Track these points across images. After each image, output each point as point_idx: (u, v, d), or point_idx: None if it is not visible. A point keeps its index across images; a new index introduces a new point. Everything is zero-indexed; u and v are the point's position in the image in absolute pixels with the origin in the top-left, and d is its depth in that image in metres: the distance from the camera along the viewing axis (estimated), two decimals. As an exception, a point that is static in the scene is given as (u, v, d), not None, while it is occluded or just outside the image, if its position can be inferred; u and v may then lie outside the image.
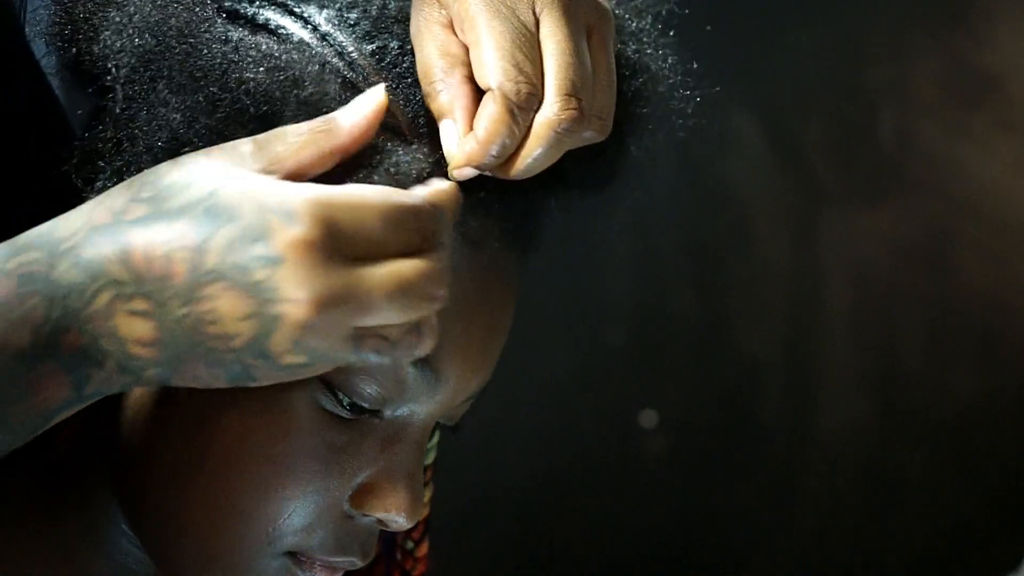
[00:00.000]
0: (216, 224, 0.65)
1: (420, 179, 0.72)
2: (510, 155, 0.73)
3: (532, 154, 0.73)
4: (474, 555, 1.84)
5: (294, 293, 0.64)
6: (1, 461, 0.75)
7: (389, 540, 0.94)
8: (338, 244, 0.65)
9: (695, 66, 0.84)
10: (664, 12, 0.86)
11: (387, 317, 0.66)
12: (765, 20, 1.85)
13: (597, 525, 1.89)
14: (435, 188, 0.70)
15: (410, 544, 0.93)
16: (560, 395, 1.85)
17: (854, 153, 1.88)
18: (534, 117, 0.73)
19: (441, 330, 0.71)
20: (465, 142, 0.72)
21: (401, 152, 0.73)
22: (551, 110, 0.73)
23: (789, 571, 1.90)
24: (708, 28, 0.88)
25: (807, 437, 1.89)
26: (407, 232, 0.67)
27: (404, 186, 0.70)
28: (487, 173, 0.73)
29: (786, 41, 1.85)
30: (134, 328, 0.66)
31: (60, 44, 0.77)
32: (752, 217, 1.88)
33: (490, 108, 0.72)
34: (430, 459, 0.90)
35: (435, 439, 0.89)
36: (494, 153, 0.72)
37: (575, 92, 0.73)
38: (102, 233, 0.66)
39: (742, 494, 1.89)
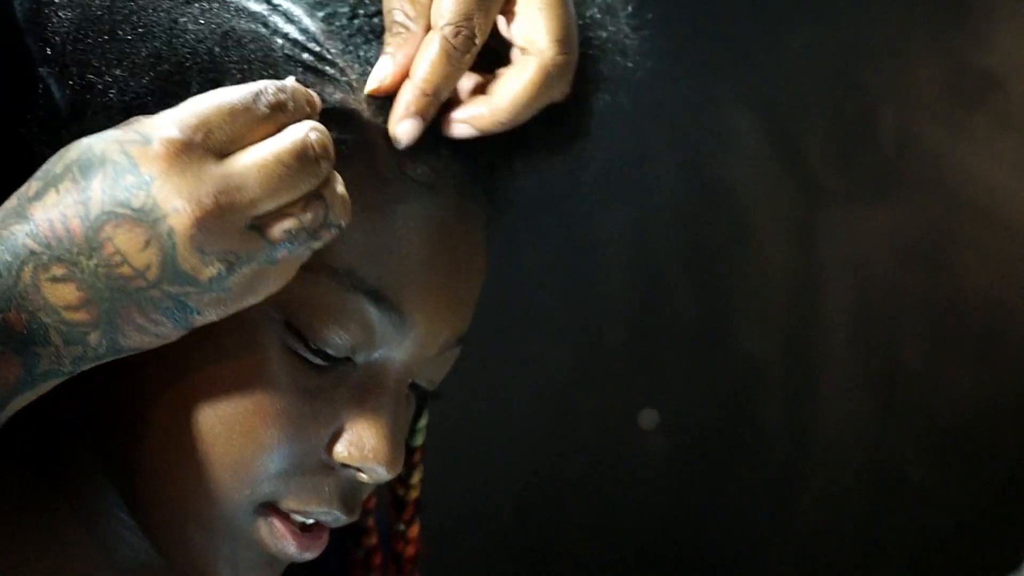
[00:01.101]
0: (91, 174, 0.69)
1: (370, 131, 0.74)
2: (500, 103, 0.74)
3: (523, 97, 0.74)
4: (473, 554, 1.83)
5: (173, 202, 0.67)
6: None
7: (386, 530, 0.94)
8: (198, 146, 0.69)
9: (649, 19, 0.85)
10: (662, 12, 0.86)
11: (274, 195, 0.68)
12: (765, 20, 1.85)
13: (597, 525, 1.89)
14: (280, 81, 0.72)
15: (401, 526, 0.93)
16: (560, 395, 1.85)
17: (854, 153, 1.88)
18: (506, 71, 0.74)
19: (404, 270, 0.72)
20: (393, 73, 0.74)
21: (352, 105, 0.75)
22: (547, 55, 0.74)
23: (789, 571, 1.89)
24: (708, 28, 0.88)
25: (807, 437, 1.89)
26: (262, 116, 0.70)
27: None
28: (466, 126, 0.74)
29: (786, 41, 1.85)
30: (61, 294, 0.69)
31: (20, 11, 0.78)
32: (752, 217, 1.88)
33: (430, 49, 0.75)
34: (419, 441, 0.90)
35: (423, 421, 0.89)
36: (424, 90, 0.73)
37: (567, 39, 0.74)
38: (13, 214, 0.70)
39: (742, 494, 1.89)
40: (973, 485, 1.88)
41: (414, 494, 0.93)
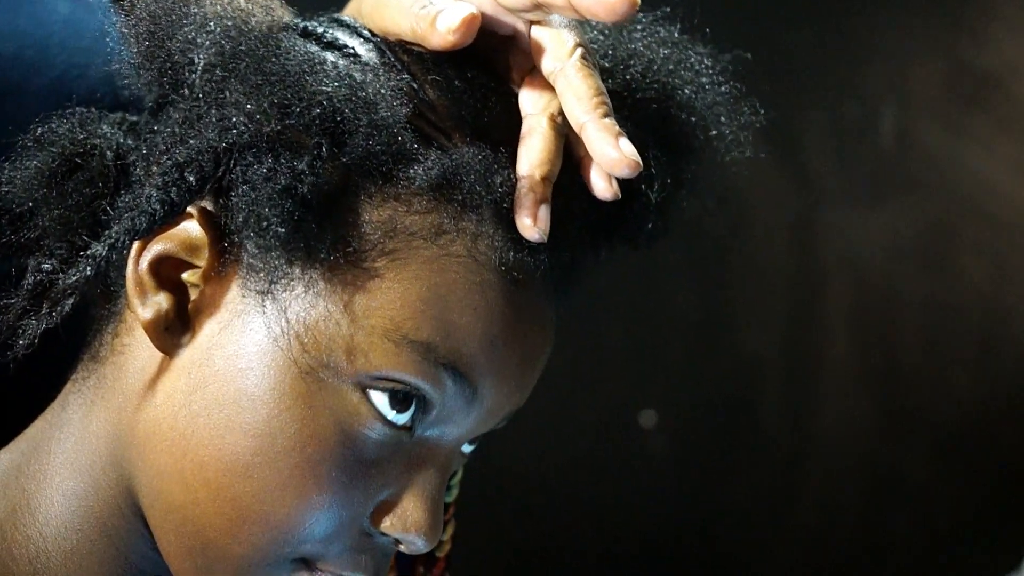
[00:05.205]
0: None
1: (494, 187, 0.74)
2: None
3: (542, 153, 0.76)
4: (473, 554, 1.84)
5: None
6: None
7: (405, 572, 0.94)
8: None
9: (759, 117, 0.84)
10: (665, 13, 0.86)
11: None
12: (765, 20, 1.84)
13: (597, 525, 1.89)
14: None
15: (431, 580, 0.93)
16: (560, 395, 1.85)
17: (854, 153, 1.89)
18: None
19: (483, 351, 0.72)
20: None
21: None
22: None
23: (789, 571, 1.90)
24: (707, 28, 0.87)
25: (807, 437, 1.90)
26: None
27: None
28: None
29: (786, 41, 1.84)
30: None
31: (136, 38, 0.76)
32: (752, 217, 1.88)
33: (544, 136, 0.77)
34: (453, 496, 0.90)
35: (458, 476, 0.89)
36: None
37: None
38: None
39: (742, 494, 1.90)
40: (972, 484, 1.89)
41: (446, 548, 0.92)
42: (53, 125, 0.77)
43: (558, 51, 0.75)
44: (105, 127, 0.79)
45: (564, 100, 0.74)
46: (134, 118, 0.80)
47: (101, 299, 0.80)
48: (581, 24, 0.77)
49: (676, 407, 1.88)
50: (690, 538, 1.91)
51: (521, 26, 0.77)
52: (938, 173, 1.88)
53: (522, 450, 1.84)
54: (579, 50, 0.75)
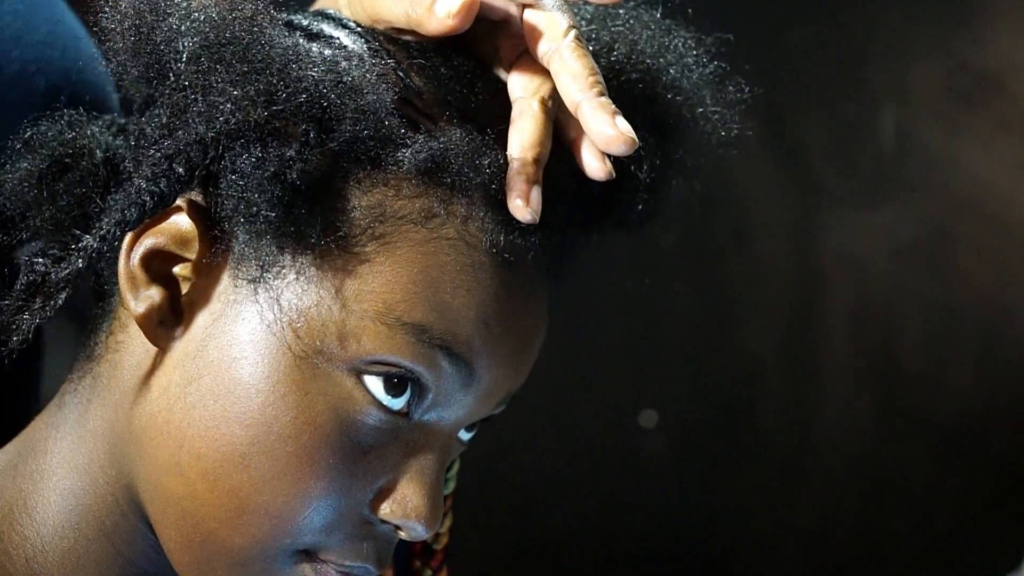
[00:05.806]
0: None
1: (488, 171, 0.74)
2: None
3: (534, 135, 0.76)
4: (472, 554, 1.84)
5: None
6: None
7: (403, 569, 0.94)
8: None
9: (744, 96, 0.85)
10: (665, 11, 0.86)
11: None
12: (765, 19, 1.84)
13: (597, 525, 1.89)
14: None
15: (428, 573, 0.93)
16: (560, 395, 1.85)
17: (854, 153, 1.88)
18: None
19: (478, 331, 0.72)
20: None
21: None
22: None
23: (789, 571, 1.90)
24: (707, 27, 0.88)
25: (807, 437, 1.90)
26: None
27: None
28: None
29: (786, 41, 1.84)
30: None
31: (122, 34, 0.76)
32: (752, 217, 1.88)
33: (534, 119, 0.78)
34: (450, 489, 0.90)
35: (454, 469, 0.89)
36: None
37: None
38: None
39: (742, 494, 1.90)
40: (972, 485, 1.89)
41: (444, 541, 0.93)
42: (42, 128, 0.78)
43: (552, 33, 0.76)
44: (94, 128, 0.79)
45: (559, 80, 0.75)
46: (122, 120, 0.81)
47: (95, 298, 0.81)
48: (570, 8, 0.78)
49: (676, 407, 1.88)
50: (690, 538, 1.91)
51: (514, 10, 0.78)
52: (938, 173, 1.87)
53: (522, 449, 1.84)
54: (573, 31, 0.76)
